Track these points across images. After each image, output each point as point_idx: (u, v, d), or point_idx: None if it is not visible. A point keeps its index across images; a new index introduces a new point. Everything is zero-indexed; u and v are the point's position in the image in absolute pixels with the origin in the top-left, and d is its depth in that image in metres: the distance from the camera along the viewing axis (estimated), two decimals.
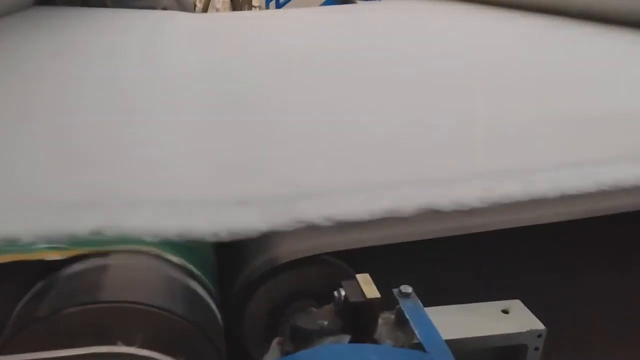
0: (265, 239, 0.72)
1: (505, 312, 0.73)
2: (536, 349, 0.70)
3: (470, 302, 0.74)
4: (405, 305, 0.66)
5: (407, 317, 0.65)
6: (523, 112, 1.21)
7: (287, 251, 0.71)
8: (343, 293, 0.66)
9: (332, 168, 0.90)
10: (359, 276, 0.68)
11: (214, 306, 0.70)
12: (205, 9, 5.49)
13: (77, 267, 0.68)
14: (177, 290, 0.68)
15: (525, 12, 2.77)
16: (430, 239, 0.74)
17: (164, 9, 3.72)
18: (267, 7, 5.76)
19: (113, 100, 1.25)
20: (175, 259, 0.72)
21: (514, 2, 2.99)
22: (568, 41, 2.13)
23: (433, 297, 0.71)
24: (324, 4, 5.57)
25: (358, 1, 3.93)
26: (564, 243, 0.86)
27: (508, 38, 2.27)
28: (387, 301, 0.69)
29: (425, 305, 0.68)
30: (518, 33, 2.38)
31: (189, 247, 0.74)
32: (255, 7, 6.12)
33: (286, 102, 1.32)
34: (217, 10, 5.64)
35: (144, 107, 1.23)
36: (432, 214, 0.73)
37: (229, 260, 0.80)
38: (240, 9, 5.88)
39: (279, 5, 5.47)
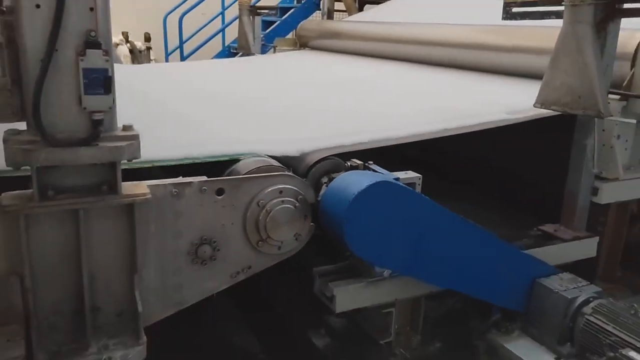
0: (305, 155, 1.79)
1: None
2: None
3: None
4: (371, 166, 1.76)
5: (373, 168, 1.75)
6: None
7: (317, 156, 1.78)
8: (349, 164, 1.75)
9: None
10: (353, 159, 1.77)
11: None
12: None
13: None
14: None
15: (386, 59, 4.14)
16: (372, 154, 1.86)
17: None
18: (167, 60, 6.70)
19: None
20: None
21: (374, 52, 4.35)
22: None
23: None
24: (216, 56, 6.67)
25: (256, 54, 5.07)
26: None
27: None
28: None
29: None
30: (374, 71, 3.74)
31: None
32: (152, 60, 7.00)
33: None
34: (121, 62, 6.41)
35: None
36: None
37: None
38: (140, 63, 6.73)
39: (183, 58, 6.44)
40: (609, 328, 1.69)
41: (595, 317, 1.74)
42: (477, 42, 3.34)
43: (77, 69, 1.17)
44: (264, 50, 5.38)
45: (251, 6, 5.07)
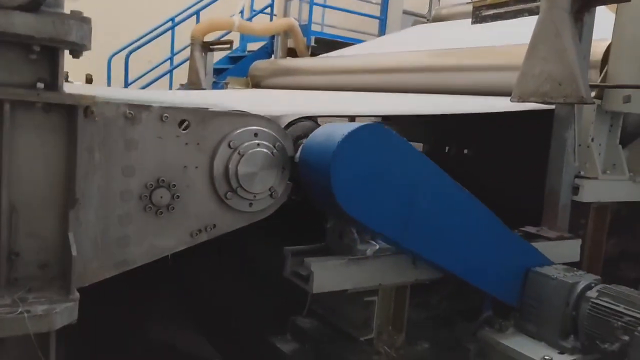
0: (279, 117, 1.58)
1: None
2: None
3: None
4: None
5: None
6: None
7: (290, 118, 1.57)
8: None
9: None
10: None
11: None
12: None
13: None
14: None
15: None
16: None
17: None
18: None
19: None
20: None
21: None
22: None
23: None
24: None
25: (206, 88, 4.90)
26: None
27: None
28: None
29: None
30: None
31: None
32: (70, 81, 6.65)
33: None
34: None
35: None
36: None
37: None
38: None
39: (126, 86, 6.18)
40: (621, 309, 1.50)
41: (603, 300, 1.55)
42: (433, 65, 3.32)
43: None
44: (214, 88, 5.22)
45: (204, 41, 4.95)
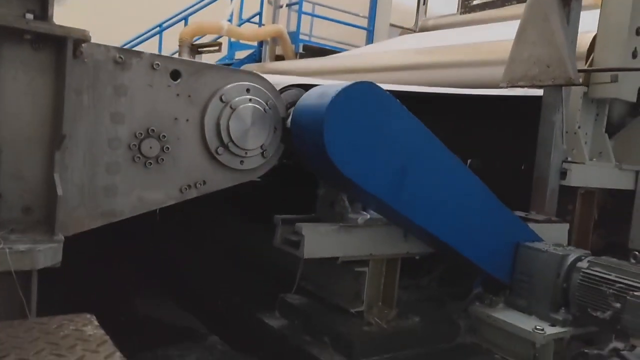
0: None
1: None
2: None
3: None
4: None
5: None
6: None
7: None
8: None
9: None
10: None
11: None
12: None
13: None
14: None
15: None
16: None
17: None
18: None
19: None
20: None
21: None
22: None
23: None
24: None
25: None
26: None
27: None
28: None
29: None
30: None
31: None
32: None
33: None
34: None
35: None
36: None
37: None
38: None
39: None
40: (612, 277, 1.49)
41: (594, 270, 1.54)
42: (422, 62, 3.36)
43: None
44: None
45: (192, 44, 4.95)
